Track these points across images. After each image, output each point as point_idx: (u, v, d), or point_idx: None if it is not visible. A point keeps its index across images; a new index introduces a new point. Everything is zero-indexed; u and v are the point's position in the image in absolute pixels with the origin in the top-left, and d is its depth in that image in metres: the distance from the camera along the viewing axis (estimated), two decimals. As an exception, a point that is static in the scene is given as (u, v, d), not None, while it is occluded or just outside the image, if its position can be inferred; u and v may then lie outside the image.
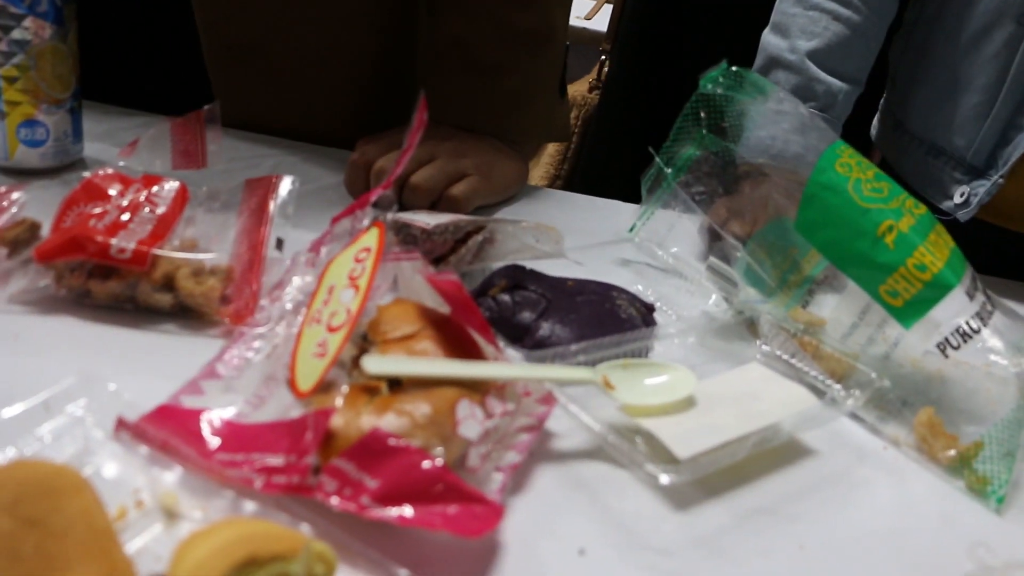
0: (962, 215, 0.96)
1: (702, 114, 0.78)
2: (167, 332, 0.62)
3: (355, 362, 0.55)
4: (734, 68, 0.77)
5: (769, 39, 1.01)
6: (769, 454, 0.60)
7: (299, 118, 0.96)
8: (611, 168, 1.33)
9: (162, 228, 0.64)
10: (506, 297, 0.67)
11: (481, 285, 0.68)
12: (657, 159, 0.80)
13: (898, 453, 0.63)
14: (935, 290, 0.66)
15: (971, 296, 0.68)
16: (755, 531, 0.53)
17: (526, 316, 0.66)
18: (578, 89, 1.46)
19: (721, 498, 0.55)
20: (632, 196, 0.97)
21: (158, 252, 0.61)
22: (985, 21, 0.94)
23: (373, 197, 0.63)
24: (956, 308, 0.67)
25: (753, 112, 0.80)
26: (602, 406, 0.58)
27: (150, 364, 0.59)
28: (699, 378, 0.63)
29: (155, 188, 0.67)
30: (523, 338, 0.65)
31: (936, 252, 0.68)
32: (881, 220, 0.68)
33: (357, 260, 0.57)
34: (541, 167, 1.46)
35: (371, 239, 0.58)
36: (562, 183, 1.46)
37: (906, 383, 0.68)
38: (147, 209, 0.65)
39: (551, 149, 1.51)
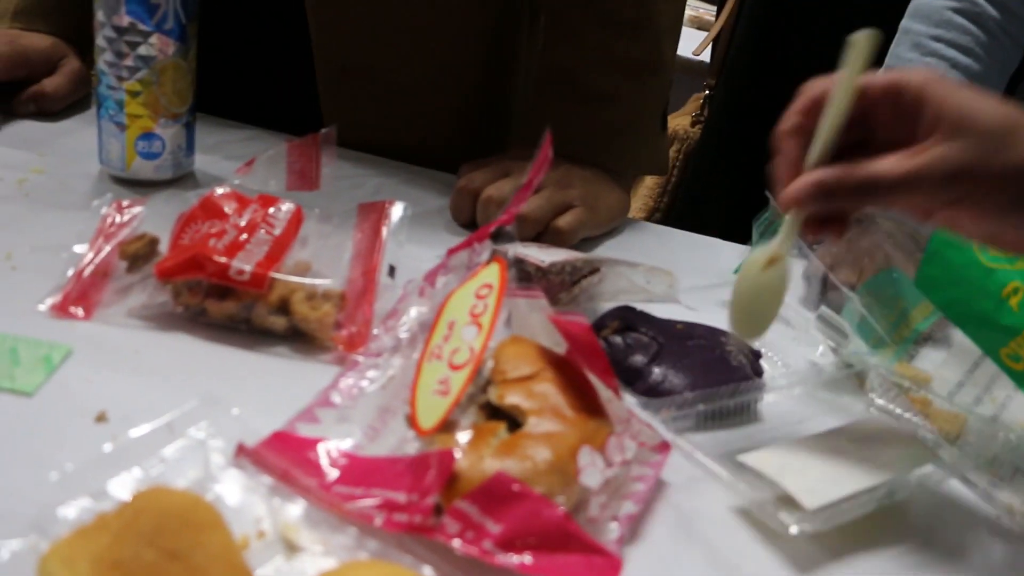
0: None
1: None
2: (280, 355, 0.62)
3: (473, 399, 0.54)
4: None
5: None
6: (884, 514, 0.58)
7: (402, 138, 0.97)
8: (710, 204, 1.32)
9: (278, 250, 0.65)
10: (618, 339, 0.66)
11: (592, 326, 0.67)
12: (770, 207, 0.78)
13: (1012, 523, 0.61)
14: None
15: None
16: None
17: (638, 359, 0.65)
18: (680, 123, 1.45)
19: (841, 560, 0.54)
20: (729, 234, 0.95)
21: (275, 276, 0.61)
22: None
23: (491, 230, 0.63)
24: None
25: None
26: (721, 454, 0.57)
27: (264, 387, 0.59)
28: (811, 431, 0.62)
29: (271, 209, 0.67)
30: (635, 382, 0.64)
31: None
32: (1007, 281, 0.66)
33: (479, 296, 0.56)
34: (640, 199, 1.45)
35: (492, 275, 0.57)
36: (660, 216, 1.45)
37: (1019, 448, 0.65)
38: (263, 230, 0.65)
39: (650, 181, 1.50)
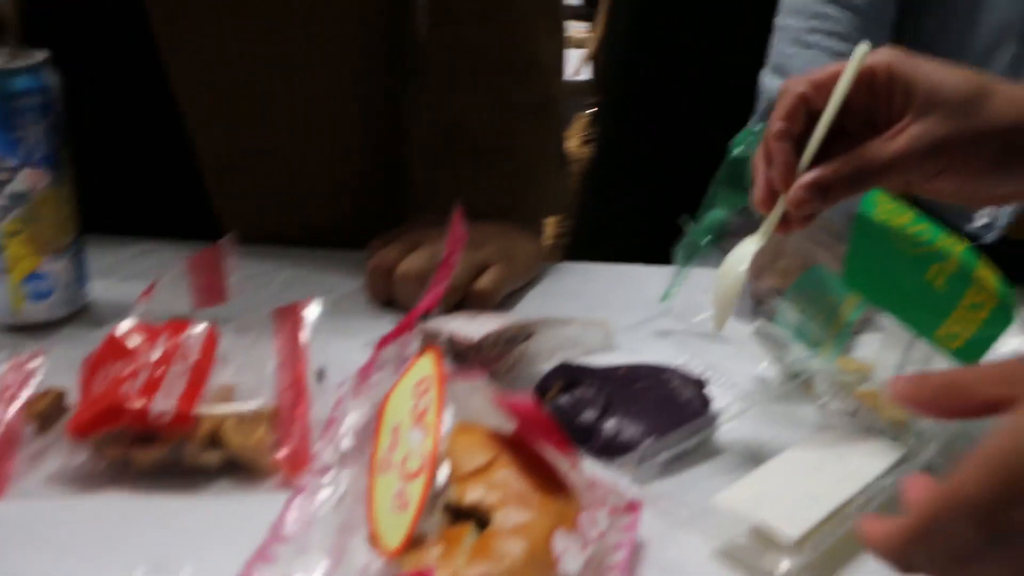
0: (988, 237, 0.95)
1: (735, 176, 0.76)
2: (221, 492, 0.58)
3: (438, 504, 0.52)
4: (760, 126, 0.75)
5: (769, 81, 0.99)
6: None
7: (302, 222, 0.94)
8: (613, 219, 1.31)
9: (198, 378, 0.61)
10: (564, 399, 0.64)
11: (534, 390, 0.66)
12: (690, 230, 0.78)
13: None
14: (994, 326, 0.65)
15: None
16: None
17: (588, 416, 0.63)
18: (570, 144, 1.45)
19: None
20: (637, 252, 0.94)
21: (201, 411, 0.58)
22: (987, 42, 0.93)
23: (416, 319, 0.60)
24: (1009, 344, 0.66)
25: None
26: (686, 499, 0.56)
27: (211, 533, 0.55)
28: (772, 451, 0.61)
29: (183, 335, 0.64)
30: (588, 440, 0.62)
31: (987, 287, 0.66)
32: (928, 265, 0.67)
33: (418, 394, 0.54)
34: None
35: (428, 368, 0.55)
36: (568, 239, 1.44)
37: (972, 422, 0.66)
38: (178, 361, 0.62)
39: None
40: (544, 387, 0.65)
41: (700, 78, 1.26)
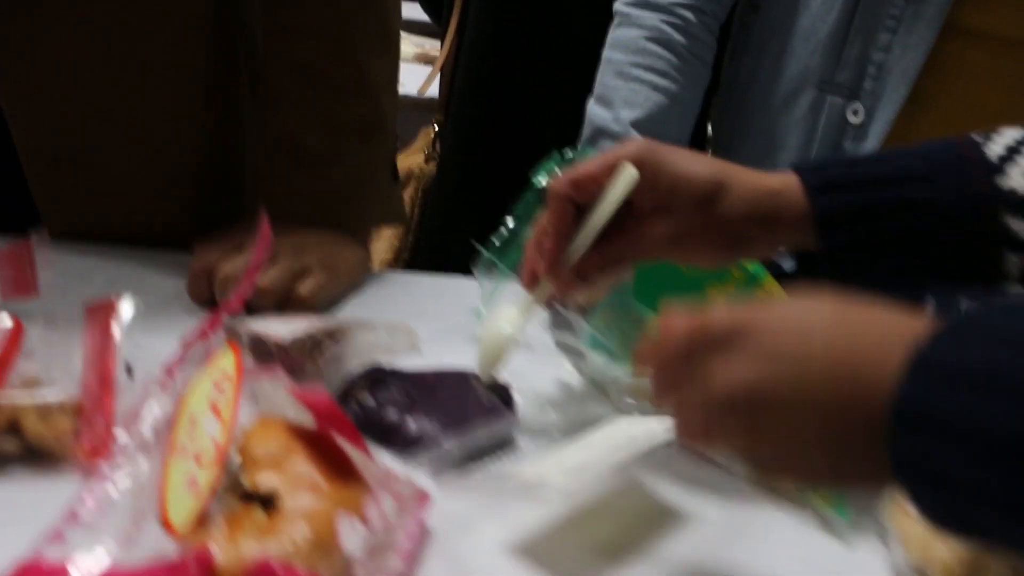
0: (789, 268, 1.03)
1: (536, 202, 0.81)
2: (18, 480, 0.59)
3: (226, 487, 0.54)
4: (568, 154, 0.81)
5: (594, 110, 1.06)
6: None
7: (129, 223, 0.94)
8: (453, 237, 1.35)
9: None
10: (369, 398, 0.67)
11: (343, 390, 0.69)
12: (486, 254, 0.82)
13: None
14: None
15: None
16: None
17: (392, 415, 0.66)
18: (414, 160, 1.48)
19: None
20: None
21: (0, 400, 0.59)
22: (791, 86, 1.02)
23: (222, 318, 0.63)
24: None
25: None
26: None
27: (4, 518, 0.56)
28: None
29: (-15, 326, 0.64)
30: (392, 438, 0.66)
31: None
32: (706, 284, 0.73)
33: (217, 387, 0.56)
34: (384, 240, 1.46)
35: (228, 363, 0.57)
36: (407, 255, 1.47)
37: None
38: (-20, 350, 0.62)
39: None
40: (351, 386, 0.69)
41: (538, 99, 1.32)
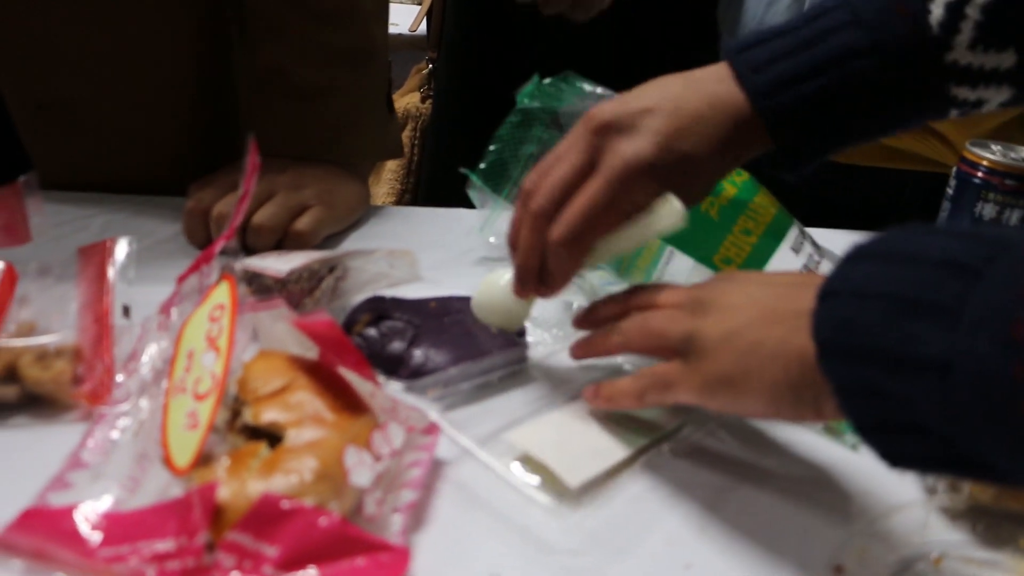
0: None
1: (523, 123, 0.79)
2: (19, 427, 0.58)
3: (230, 426, 0.53)
4: (546, 80, 0.78)
5: None
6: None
7: (124, 170, 0.92)
8: (453, 175, 1.33)
9: (-7, 315, 0.60)
10: (372, 331, 0.66)
11: (344, 323, 0.67)
12: (475, 179, 0.80)
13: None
14: (761, 251, 0.70)
15: (797, 250, 0.73)
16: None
17: (396, 346, 0.65)
18: (411, 100, 1.45)
19: (612, 490, 0.56)
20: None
21: (-5, 344, 0.57)
22: None
23: (217, 249, 0.61)
24: (783, 264, 0.72)
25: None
26: (485, 429, 0.58)
27: (5, 466, 0.54)
28: (579, 386, 0.63)
29: (-23, 274, 0.63)
30: (397, 369, 0.64)
31: (761, 214, 0.71)
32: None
33: (212, 319, 0.54)
34: (385, 183, 1.44)
35: (223, 295, 0.55)
36: (410, 197, 1.45)
37: None
38: (-27, 298, 0.61)
39: (392, 165, 1.49)
40: (353, 319, 0.67)
41: (531, 26, 1.29)
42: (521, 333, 0.70)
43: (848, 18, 0.57)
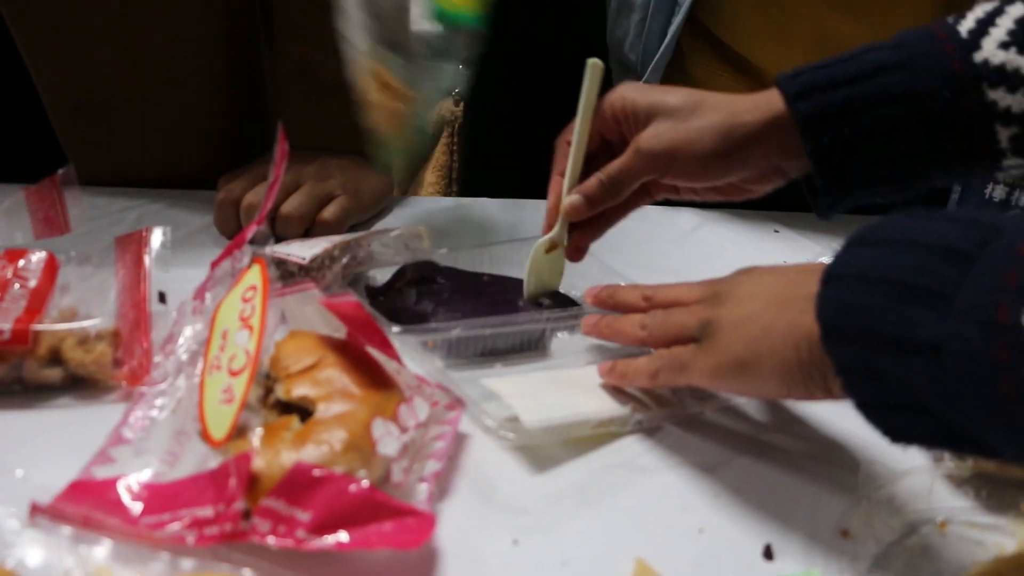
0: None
1: None
2: (63, 407, 0.61)
3: (263, 401, 0.56)
4: None
5: None
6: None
7: (159, 168, 0.95)
8: (491, 176, 1.34)
9: (37, 302, 0.63)
10: (411, 290, 0.69)
11: (389, 280, 0.71)
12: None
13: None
14: None
15: None
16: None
17: (426, 305, 0.68)
18: (443, 106, 1.47)
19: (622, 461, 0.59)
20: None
21: (38, 327, 0.60)
22: None
23: (248, 235, 0.63)
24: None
25: None
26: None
27: (53, 443, 0.57)
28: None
29: (21, 262, 0.66)
30: (414, 322, 0.67)
31: None
32: None
33: (245, 300, 0.57)
34: (431, 185, 1.46)
35: (254, 277, 0.58)
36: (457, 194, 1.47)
37: None
38: (17, 285, 0.64)
39: (431, 178, 1.51)
40: (397, 278, 0.71)
41: (557, 32, 1.30)
42: (555, 296, 0.73)
43: (887, 43, 0.61)
